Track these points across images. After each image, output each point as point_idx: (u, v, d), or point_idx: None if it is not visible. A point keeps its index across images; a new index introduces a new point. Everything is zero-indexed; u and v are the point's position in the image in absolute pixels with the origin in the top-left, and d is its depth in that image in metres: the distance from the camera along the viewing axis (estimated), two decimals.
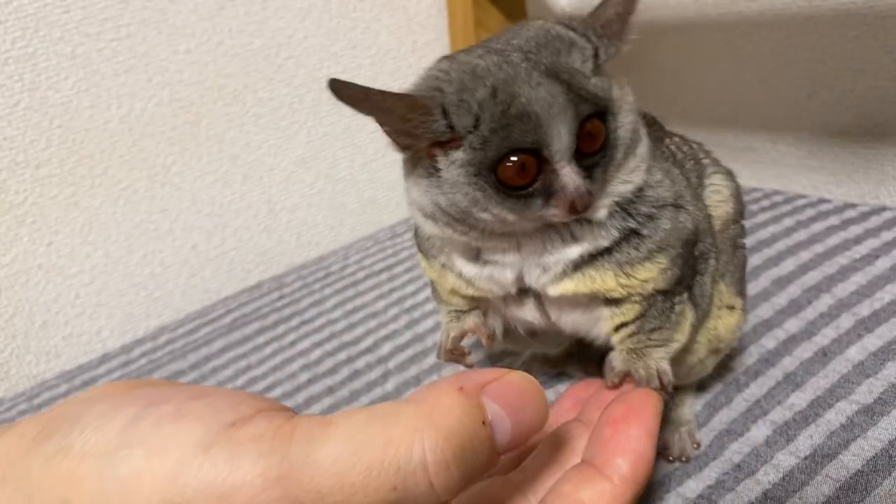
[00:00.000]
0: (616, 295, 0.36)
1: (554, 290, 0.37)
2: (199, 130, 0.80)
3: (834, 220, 0.61)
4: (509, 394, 0.27)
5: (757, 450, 0.41)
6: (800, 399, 0.43)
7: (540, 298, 0.38)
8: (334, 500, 0.23)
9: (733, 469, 0.40)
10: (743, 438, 0.42)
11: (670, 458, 0.42)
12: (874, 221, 0.60)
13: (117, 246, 0.77)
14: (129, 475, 0.23)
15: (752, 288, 0.53)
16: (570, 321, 0.39)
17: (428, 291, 0.64)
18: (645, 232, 0.36)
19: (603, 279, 0.36)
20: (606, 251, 0.36)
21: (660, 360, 0.38)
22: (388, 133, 0.33)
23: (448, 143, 0.32)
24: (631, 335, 0.38)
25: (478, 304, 0.41)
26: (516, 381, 0.27)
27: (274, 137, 0.85)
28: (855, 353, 0.45)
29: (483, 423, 0.25)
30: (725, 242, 0.42)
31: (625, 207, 0.36)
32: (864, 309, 0.49)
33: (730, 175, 0.44)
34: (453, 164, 0.32)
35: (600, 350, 0.41)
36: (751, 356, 0.47)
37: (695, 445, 0.43)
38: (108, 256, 0.77)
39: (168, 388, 0.28)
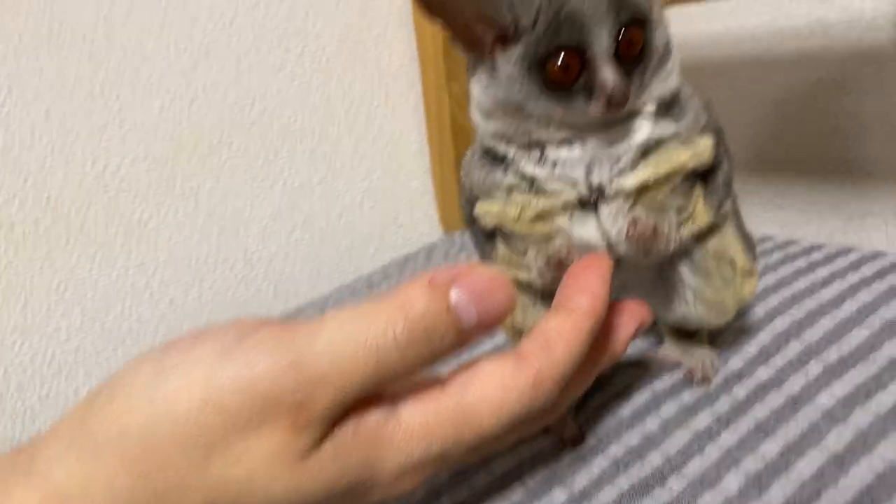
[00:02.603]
0: (690, 167, 0.41)
1: (632, 180, 0.40)
2: (175, 185, 0.80)
3: (801, 262, 0.62)
4: (476, 283, 0.31)
5: (730, 500, 0.41)
6: (771, 448, 0.44)
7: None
8: (335, 374, 0.29)
9: None
10: (715, 489, 0.42)
11: (696, 378, 0.50)
12: (839, 263, 0.61)
13: (94, 303, 0.77)
14: (169, 391, 0.29)
15: (723, 339, 0.54)
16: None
17: None
18: (692, 121, 0.41)
19: (677, 154, 0.41)
20: (668, 137, 0.41)
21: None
22: (456, 36, 0.38)
23: (508, 39, 0.38)
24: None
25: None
26: (483, 272, 0.32)
27: (250, 189, 0.85)
28: (824, 399, 0.46)
29: (447, 309, 0.30)
30: (737, 215, 0.48)
31: (669, 109, 0.41)
32: (833, 355, 0.50)
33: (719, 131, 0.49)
34: (510, 59, 0.38)
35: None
36: (723, 405, 0.48)
37: (715, 370, 0.51)
38: (84, 314, 0.77)
39: (179, 337, 0.33)
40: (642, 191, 0.41)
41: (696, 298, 0.47)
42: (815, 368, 0.49)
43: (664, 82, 0.40)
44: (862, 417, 0.44)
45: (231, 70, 0.82)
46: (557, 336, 0.33)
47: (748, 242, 0.48)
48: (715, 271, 0.46)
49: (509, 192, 0.43)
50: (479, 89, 0.41)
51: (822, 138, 0.80)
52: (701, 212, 0.43)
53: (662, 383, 0.51)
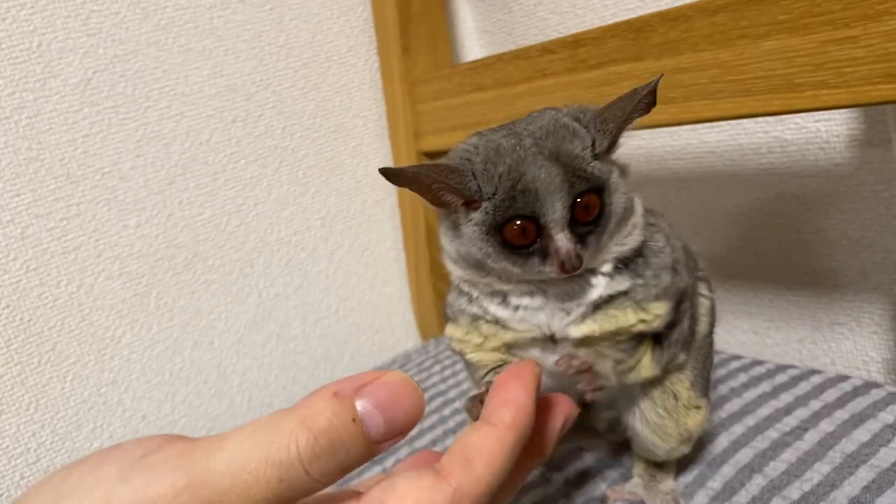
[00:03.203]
0: (636, 330, 0.43)
1: (577, 332, 0.42)
2: (150, 301, 0.81)
3: (766, 386, 0.63)
4: (382, 393, 0.31)
5: None
6: None
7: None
8: (235, 493, 0.29)
9: None
10: None
11: None
12: (803, 388, 0.62)
13: (65, 422, 0.77)
14: None
15: (689, 473, 0.54)
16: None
17: (375, 468, 0.64)
18: (652, 282, 0.43)
19: (624, 315, 0.42)
20: (622, 294, 0.43)
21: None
22: (426, 196, 0.41)
23: (471, 203, 0.40)
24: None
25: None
26: (390, 380, 0.32)
27: (224, 302, 0.86)
28: None
29: (353, 420, 0.30)
30: (699, 356, 0.50)
31: (630, 265, 0.43)
32: (794, 492, 0.50)
33: (710, 286, 0.53)
34: (471, 222, 0.40)
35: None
36: None
37: None
38: (54, 433, 0.76)
39: (89, 455, 0.33)
40: (586, 340, 0.43)
41: (642, 418, 0.50)
42: None
43: (623, 242, 0.43)
44: None
45: (207, 186, 0.84)
46: (478, 452, 0.32)
47: (701, 380, 0.50)
48: (658, 399, 0.49)
49: (474, 319, 0.45)
50: (446, 240, 0.44)
51: (785, 250, 0.82)
52: (647, 366, 0.45)
53: None
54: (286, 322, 0.91)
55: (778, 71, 0.55)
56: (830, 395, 0.60)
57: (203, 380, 0.85)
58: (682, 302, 0.46)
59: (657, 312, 0.43)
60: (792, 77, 0.54)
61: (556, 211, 0.38)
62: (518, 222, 0.39)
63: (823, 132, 0.75)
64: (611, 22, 0.66)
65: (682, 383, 0.49)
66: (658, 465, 0.54)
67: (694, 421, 0.50)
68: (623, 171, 0.43)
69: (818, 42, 0.52)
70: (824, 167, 0.76)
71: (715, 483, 0.53)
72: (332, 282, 0.95)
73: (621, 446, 0.58)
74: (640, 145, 0.90)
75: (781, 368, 0.66)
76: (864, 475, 0.50)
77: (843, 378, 0.62)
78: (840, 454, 0.52)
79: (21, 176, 0.72)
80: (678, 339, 0.46)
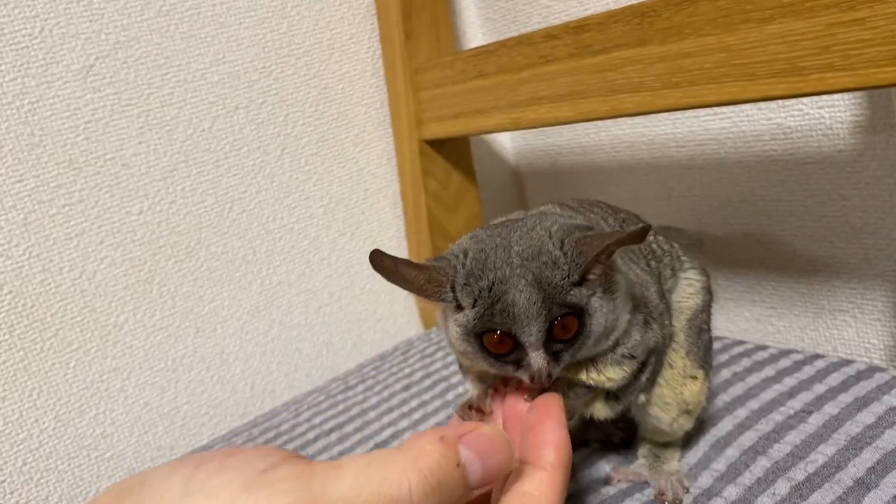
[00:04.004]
0: (588, 383, 0.45)
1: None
2: (152, 288, 0.81)
3: (769, 370, 0.63)
4: (481, 443, 0.35)
5: None
6: None
7: None
8: None
9: None
10: None
11: (665, 502, 0.50)
12: (807, 372, 0.62)
13: (67, 408, 0.77)
14: None
15: (693, 455, 0.55)
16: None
17: None
18: (617, 352, 0.45)
19: (576, 371, 0.45)
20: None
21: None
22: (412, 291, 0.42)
23: (455, 306, 0.42)
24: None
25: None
26: (488, 432, 0.36)
27: (227, 290, 0.86)
28: None
29: (457, 465, 0.34)
30: (693, 328, 0.51)
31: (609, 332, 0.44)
32: (799, 473, 0.50)
33: (703, 271, 0.54)
34: (454, 322, 0.42)
35: None
36: None
37: (685, 490, 0.51)
38: (57, 420, 0.76)
39: (207, 452, 0.35)
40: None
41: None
42: (782, 488, 0.49)
43: (600, 346, 0.44)
44: None
45: (210, 173, 0.84)
46: (536, 501, 0.36)
47: (696, 350, 0.51)
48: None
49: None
50: (441, 320, 0.45)
51: (788, 237, 0.82)
52: (599, 409, 0.48)
53: (633, 503, 0.51)
54: (289, 310, 0.91)
55: (783, 54, 0.55)
56: (834, 378, 0.60)
57: (206, 367, 0.85)
58: (649, 357, 0.48)
59: (611, 376, 0.45)
60: (797, 60, 0.54)
61: (532, 334, 0.40)
62: (497, 334, 0.40)
63: (827, 119, 0.75)
64: (614, 7, 0.66)
65: (676, 353, 0.51)
66: (663, 446, 0.54)
67: (690, 391, 0.51)
68: (612, 281, 0.43)
69: (824, 25, 0.52)
70: (827, 154, 0.76)
71: (719, 465, 0.53)
72: (335, 270, 0.95)
73: (626, 440, 0.58)
74: (643, 133, 0.90)
75: (785, 353, 0.66)
76: (868, 457, 0.50)
77: (847, 362, 0.62)
78: (845, 436, 0.53)
79: (23, 162, 0.72)
80: (635, 389, 0.48)
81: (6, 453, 0.73)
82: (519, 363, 0.41)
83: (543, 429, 0.38)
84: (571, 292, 0.40)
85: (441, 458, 0.33)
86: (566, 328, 0.40)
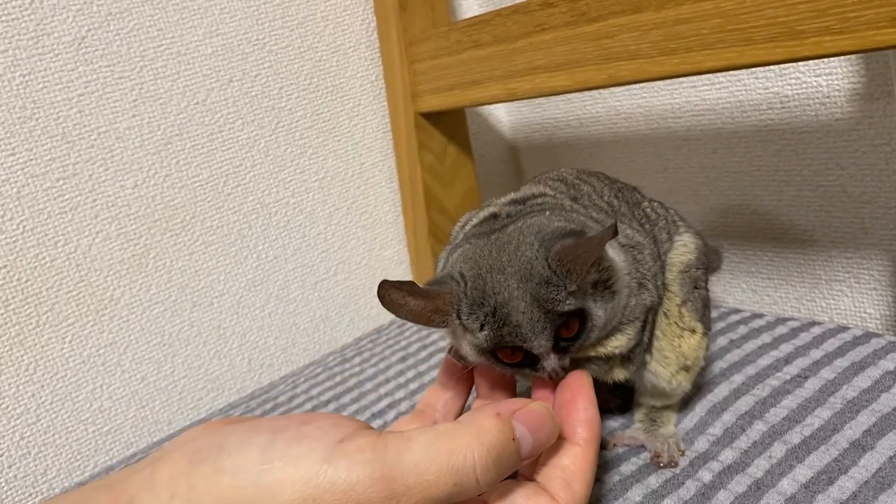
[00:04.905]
0: (599, 357, 0.47)
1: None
2: (148, 262, 0.81)
3: (766, 337, 0.63)
4: (532, 418, 0.39)
5: None
6: None
7: None
8: (417, 491, 0.34)
9: None
10: None
11: (661, 464, 0.51)
12: (804, 338, 0.62)
13: (64, 383, 0.77)
14: (274, 481, 0.34)
15: (689, 420, 0.55)
16: None
17: (375, 423, 0.64)
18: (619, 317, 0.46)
19: (587, 349, 0.46)
20: None
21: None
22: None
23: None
24: None
25: None
26: (537, 409, 0.40)
27: (223, 264, 0.86)
28: (787, 485, 0.46)
29: (512, 439, 0.37)
30: (686, 279, 0.52)
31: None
32: (795, 436, 0.50)
33: (698, 235, 0.56)
34: (467, 342, 0.44)
35: None
36: (688, 490, 0.48)
37: (681, 452, 0.52)
38: (54, 394, 0.76)
39: (280, 419, 0.38)
40: None
41: None
42: (778, 451, 0.49)
43: (607, 329, 0.46)
44: None
45: (204, 146, 0.83)
46: (573, 476, 0.40)
47: (692, 303, 0.52)
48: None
49: None
50: (450, 337, 0.47)
51: (784, 207, 0.82)
52: (618, 372, 0.50)
53: (629, 466, 0.52)
54: (285, 284, 0.91)
55: (780, 18, 0.54)
56: (831, 344, 0.60)
57: (203, 341, 0.85)
58: (648, 315, 0.49)
59: (617, 344, 0.47)
60: (794, 24, 0.54)
61: (541, 346, 0.42)
62: (508, 349, 0.43)
63: (824, 86, 0.75)
64: None
65: (670, 301, 0.52)
66: (659, 410, 0.54)
67: (689, 344, 0.51)
68: (607, 276, 0.45)
69: None
70: (824, 122, 0.76)
71: (715, 429, 0.53)
72: (331, 244, 0.94)
73: (623, 406, 0.59)
74: (639, 104, 0.90)
75: (781, 320, 0.66)
76: (864, 420, 0.50)
77: (843, 329, 0.62)
78: (841, 400, 0.53)
79: (16, 135, 0.72)
80: (643, 347, 0.50)
81: (4, 427, 0.73)
82: (534, 365, 0.43)
83: (576, 407, 0.42)
84: (568, 302, 0.42)
85: (499, 432, 0.37)
86: (570, 328, 0.43)
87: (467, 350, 0.44)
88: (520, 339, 0.42)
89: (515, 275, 0.42)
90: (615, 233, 0.41)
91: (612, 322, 0.46)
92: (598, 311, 0.44)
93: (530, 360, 0.43)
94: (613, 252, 0.46)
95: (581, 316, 0.43)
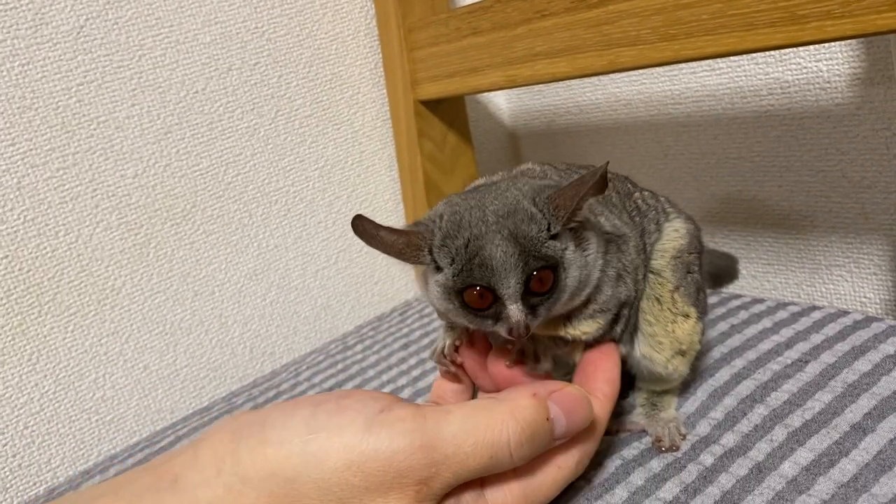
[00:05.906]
0: (564, 338, 0.47)
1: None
2: (149, 251, 0.81)
3: (766, 322, 0.63)
4: (567, 401, 0.40)
5: None
6: None
7: None
8: (455, 461, 0.36)
9: None
10: None
11: (663, 448, 0.51)
12: (804, 323, 0.62)
13: (67, 372, 0.77)
14: (318, 450, 0.35)
15: (691, 404, 0.55)
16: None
17: None
18: (589, 307, 0.47)
19: (554, 326, 0.47)
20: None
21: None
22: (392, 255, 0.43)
23: (436, 265, 0.43)
24: None
25: None
26: (573, 392, 0.41)
27: (224, 253, 0.86)
28: (788, 468, 0.47)
29: (547, 419, 0.39)
30: (679, 265, 0.52)
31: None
32: (796, 420, 0.50)
33: (690, 220, 0.56)
34: (435, 282, 0.43)
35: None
36: (690, 474, 0.48)
37: (682, 436, 0.52)
38: (57, 383, 0.76)
39: (317, 395, 0.40)
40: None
41: (635, 331, 0.52)
42: (779, 434, 0.50)
43: (574, 301, 0.45)
44: (825, 486, 0.45)
45: (204, 135, 0.83)
46: (593, 424, 0.43)
47: (685, 288, 0.52)
48: (645, 307, 0.52)
49: None
50: (420, 284, 0.47)
51: (784, 193, 0.82)
52: (579, 357, 0.50)
53: (631, 451, 0.52)
54: (286, 273, 0.91)
55: (781, 3, 0.54)
56: (831, 329, 0.60)
57: (205, 330, 0.85)
58: (622, 309, 0.49)
59: (585, 330, 0.47)
60: (796, 9, 0.54)
61: (510, 286, 0.41)
62: (477, 289, 0.41)
63: (825, 72, 0.75)
64: None
65: (663, 286, 0.51)
66: (659, 395, 0.55)
67: (683, 329, 0.51)
68: (584, 238, 0.45)
69: None
70: (825, 107, 0.76)
71: (717, 413, 0.53)
72: (332, 233, 0.94)
73: (623, 392, 0.59)
74: (639, 91, 0.90)
75: (782, 305, 0.66)
76: (865, 403, 0.51)
77: (844, 313, 0.62)
78: (841, 384, 0.53)
79: (15, 125, 0.72)
80: (623, 327, 0.50)
81: (7, 417, 0.73)
82: (498, 317, 0.42)
83: (605, 366, 0.46)
84: (546, 244, 0.41)
85: (534, 412, 0.38)
86: (543, 281, 0.41)
87: (434, 295, 0.43)
88: (490, 274, 0.40)
89: (497, 211, 0.42)
90: (605, 176, 0.41)
91: (579, 295, 0.45)
92: (572, 272, 0.43)
93: (495, 311, 0.42)
94: (604, 218, 0.47)
95: (556, 269, 0.42)
